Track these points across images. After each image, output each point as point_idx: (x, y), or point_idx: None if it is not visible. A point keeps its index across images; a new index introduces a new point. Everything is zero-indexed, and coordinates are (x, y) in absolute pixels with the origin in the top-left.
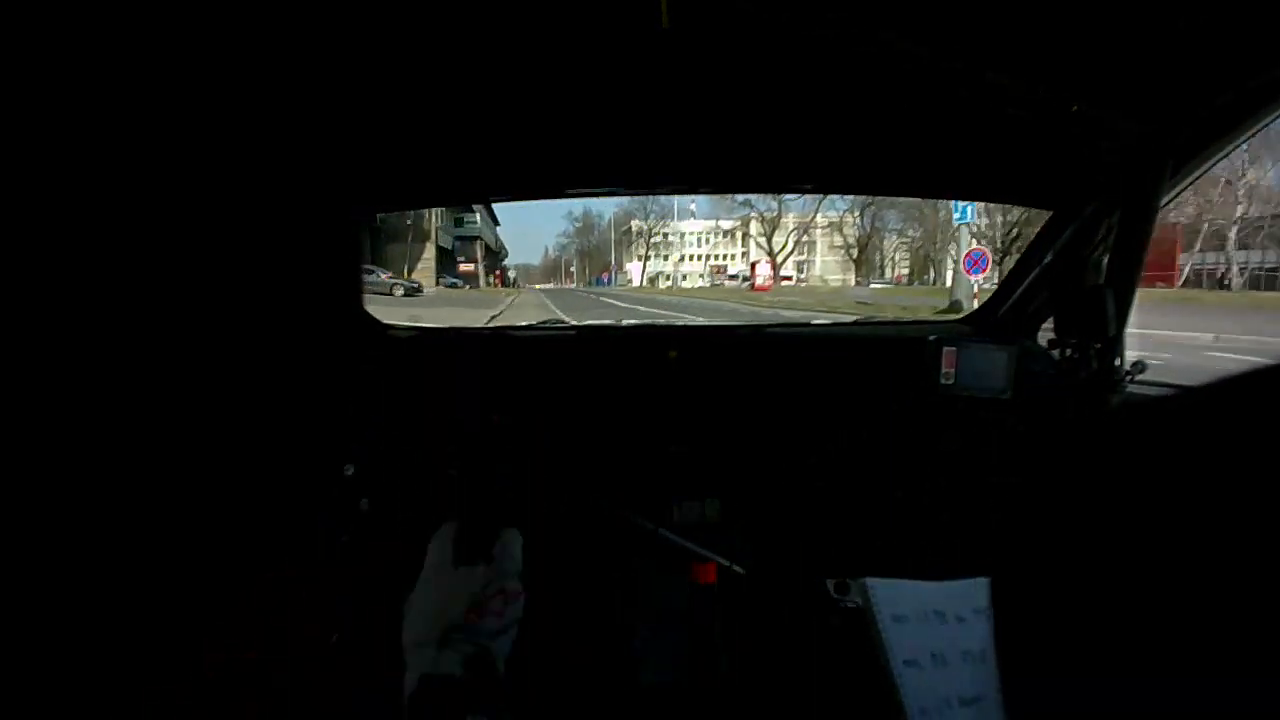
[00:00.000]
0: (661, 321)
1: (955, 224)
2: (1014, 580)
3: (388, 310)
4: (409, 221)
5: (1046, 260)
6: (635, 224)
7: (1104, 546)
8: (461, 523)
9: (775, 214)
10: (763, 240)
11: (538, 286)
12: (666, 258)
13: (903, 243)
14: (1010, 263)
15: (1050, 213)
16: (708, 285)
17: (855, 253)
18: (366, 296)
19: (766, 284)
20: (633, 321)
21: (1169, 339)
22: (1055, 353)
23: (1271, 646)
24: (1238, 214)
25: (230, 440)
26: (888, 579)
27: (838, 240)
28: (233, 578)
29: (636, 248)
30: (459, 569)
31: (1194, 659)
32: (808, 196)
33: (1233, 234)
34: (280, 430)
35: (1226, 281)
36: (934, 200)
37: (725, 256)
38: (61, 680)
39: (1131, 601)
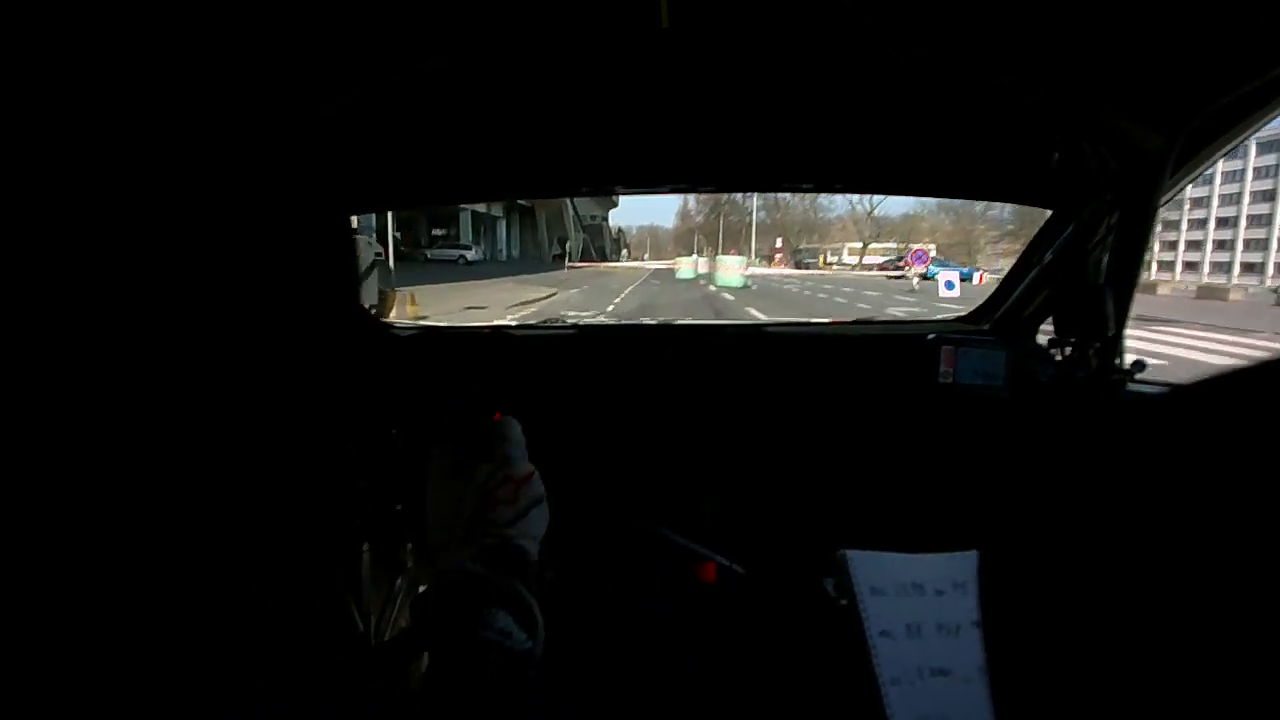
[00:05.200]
0: None
1: None
2: (1004, 554)
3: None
4: None
5: (1046, 259)
6: None
7: (1098, 532)
8: (453, 438)
9: None
10: None
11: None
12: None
13: None
14: None
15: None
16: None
17: None
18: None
19: None
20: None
21: None
22: (1054, 352)
23: (1268, 639)
24: None
25: (229, 443)
26: (867, 551)
27: None
28: (230, 579)
29: None
30: (461, 474)
31: (1190, 654)
32: None
33: None
34: (282, 433)
35: None
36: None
37: None
38: (59, 680)
39: (1125, 588)
